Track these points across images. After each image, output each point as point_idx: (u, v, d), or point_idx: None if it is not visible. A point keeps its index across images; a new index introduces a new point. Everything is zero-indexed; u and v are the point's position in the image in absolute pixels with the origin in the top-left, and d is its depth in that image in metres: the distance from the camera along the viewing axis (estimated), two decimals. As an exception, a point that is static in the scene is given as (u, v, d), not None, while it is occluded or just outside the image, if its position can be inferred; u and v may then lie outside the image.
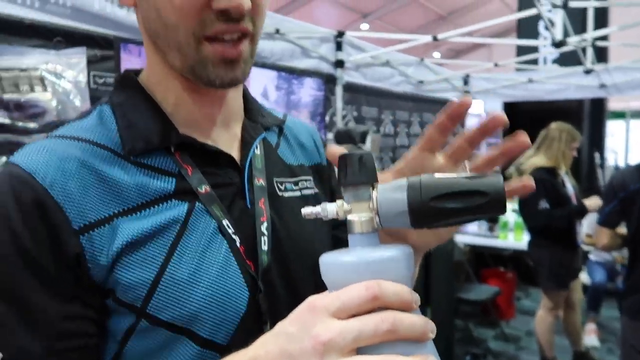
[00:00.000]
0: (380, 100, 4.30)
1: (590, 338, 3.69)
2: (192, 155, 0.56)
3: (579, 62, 4.10)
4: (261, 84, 2.81)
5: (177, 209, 0.53)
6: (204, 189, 0.55)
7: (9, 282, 0.47)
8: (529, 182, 0.47)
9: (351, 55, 3.67)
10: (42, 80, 1.39)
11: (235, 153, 0.60)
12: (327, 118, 3.50)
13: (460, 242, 4.13)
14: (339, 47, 3.54)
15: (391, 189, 0.39)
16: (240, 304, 0.53)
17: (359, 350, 0.36)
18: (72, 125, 0.56)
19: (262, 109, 0.68)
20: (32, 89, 1.35)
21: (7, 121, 1.30)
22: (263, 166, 0.63)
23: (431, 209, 0.38)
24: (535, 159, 2.99)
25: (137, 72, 0.62)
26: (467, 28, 3.36)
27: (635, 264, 2.14)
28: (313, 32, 3.33)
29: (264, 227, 0.58)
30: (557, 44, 3.10)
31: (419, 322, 0.36)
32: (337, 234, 0.70)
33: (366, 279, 0.36)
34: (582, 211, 2.95)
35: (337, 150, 0.44)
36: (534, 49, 5.15)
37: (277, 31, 2.96)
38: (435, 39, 3.40)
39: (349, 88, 3.75)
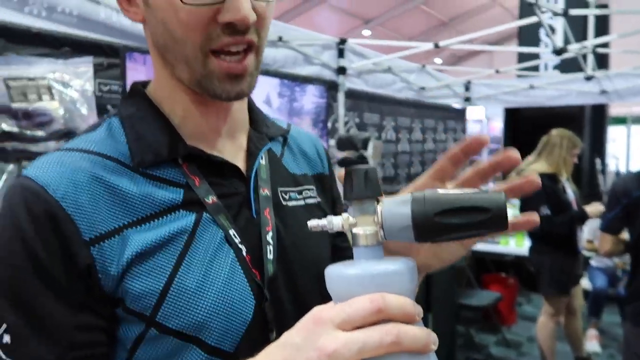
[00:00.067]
0: (382, 107, 4.32)
1: (591, 344, 3.68)
2: (199, 166, 0.58)
3: (580, 69, 4.12)
4: (264, 91, 2.84)
5: (185, 220, 0.55)
6: (211, 199, 0.56)
7: (23, 293, 0.49)
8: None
9: (353, 62, 3.69)
10: (49, 89, 1.42)
11: (240, 163, 0.62)
12: (329, 124, 3.52)
13: (461, 247, 4.13)
14: (341, 54, 3.57)
15: (396, 204, 0.40)
16: (246, 313, 0.55)
17: None
18: (82, 137, 0.57)
19: (267, 119, 0.70)
20: (40, 98, 1.37)
21: (15, 129, 1.32)
22: (268, 176, 0.64)
23: (435, 224, 0.39)
24: (536, 165, 3.01)
25: (144, 84, 0.64)
26: (469, 35, 3.38)
27: (637, 270, 2.15)
28: (315, 39, 3.36)
29: (269, 237, 0.59)
30: (558, 51, 3.12)
31: (422, 334, 0.37)
32: (337, 242, 0.71)
33: (370, 291, 0.37)
34: (583, 217, 2.96)
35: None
36: (535, 56, 5.17)
37: (280, 39, 2.98)
38: (436, 46, 3.42)
39: (351, 94, 3.78)
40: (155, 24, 0.55)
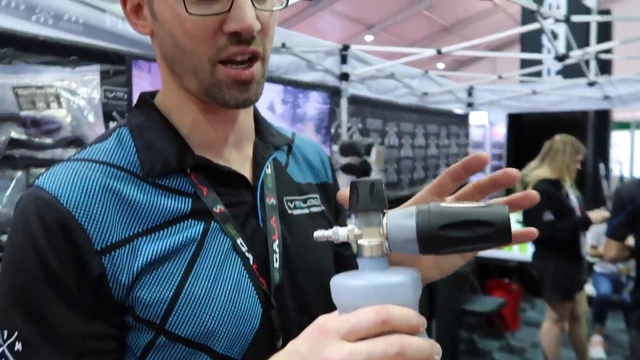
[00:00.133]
0: (385, 112, 4.34)
1: (596, 350, 3.67)
2: (206, 175, 0.59)
3: (582, 74, 4.13)
4: (267, 97, 2.85)
5: (194, 229, 0.55)
6: (219, 208, 0.57)
7: (35, 301, 0.49)
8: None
9: (356, 68, 3.72)
10: (57, 97, 1.43)
11: (247, 173, 0.63)
12: (332, 130, 3.53)
13: (464, 253, 4.13)
14: (344, 60, 3.59)
15: (401, 217, 0.41)
16: (253, 320, 0.55)
17: None
18: (92, 147, 0.58)
19: (272, 129, 0.71)
20: (48, 106, 1.39)
21: (23, 137, 1.34)
22: (274, 185, 0.65)
23: (439, 237, 0.39)
24: (539, 171, 3.01)
25: (152, 95, 0.65)
26: (471, 42, 3.40)
27: (642, 276, 2.14)
28: (318, 46, 3.38)
29: (275, 245, 0.60)
30: (560, 58, 3.13)
31: (426, 345, 0.38)
32: (340, 250, 0.72)
33: (375, 302, 0.38)
34: (587, 223, 2.95)
35: (345, 192, 0.46)
36: (538, 61, 5.18)
37: (283, 45, 3.01)
38: (439, 52, 3.44)
39: (354, 100, 3.80)
40: (163, 37, 0.56)
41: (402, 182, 4.65)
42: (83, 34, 2.04)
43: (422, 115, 4.94)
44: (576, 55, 3.36)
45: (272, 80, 2.95)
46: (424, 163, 5.02)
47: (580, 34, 4.23)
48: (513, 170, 0.47)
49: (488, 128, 7.80)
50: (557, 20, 2.82)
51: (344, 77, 3.60)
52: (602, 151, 5.97)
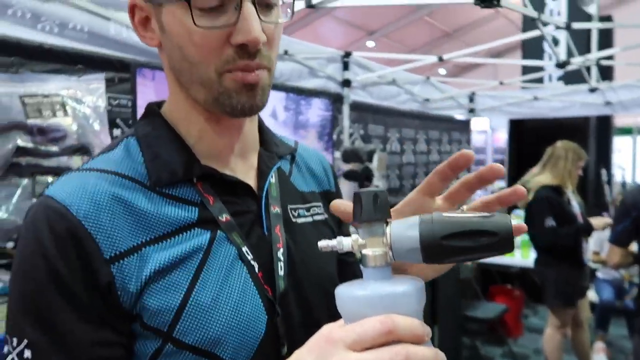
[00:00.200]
0: (387, 119, 4.35)
1: (599, 357, 3.65)
2: (212, 185, 0.60)
3: (584, 80, 4.14)
4: (270, 104, 2.86)
5: (201, 237, 0.56)
6: (225, 217, 0.58)
7: (44, 309, 0.50)
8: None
9: (358, 75, 3.74)
10: (63, 105, 1.45)
11: (252, 182, 0.64)
12: (334, 136, 3.55)
13: (467, 259, 4.12)
14: (345, 66, 3.61)
15: (404, 227, 0.42)
16: (259, 328, 0.56)
17: None
18: (100, 157, 0.59)
19: (275, 138, 0.72)
20: (54, 114, 1.41)
21: (30, 145, 1.36)
22: (278, 194, 0.66)
23: (442, 246, 0.40)
24: (540, 177, 3.01)
25: (159, 105, 0.66)
26: (472, 49, 3.42)
27: (646, 282, 2.15)
28: (320, 53, 3.40)
29: (280, 253, 0.61)
30: (561, 65, 3.15)
31: (430, 355, 0.38)
32: (343, 257, 0.73)
33: (380, 312, 0.39)
34: (589, 229, 2.95)
35: (340, 204, 0.47)
36: (540, 67, 5.19)
37: (286, 52, 3.03)
38: (440, 59, 3.46)
39: (356, 107, 3.81)
40: (171, 48, 0.57)
41: (404, 188, 4.66)
42: (88, 42, 2.06)
43: (424, 121, 4.95)
44: (577, 62, 3.37)
45: (275, 87, 2.96)
46: (425, 169, 5.03)
47: (581, 41, 4.24)
48: (497, 165, 0.48)
49: (490, 134, 7.81)
50: (557, 28, 2.84)
51: (346, 83, 3.62)
52: (604, 157, 5.96)
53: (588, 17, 3.91)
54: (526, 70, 5.31)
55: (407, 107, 4.55)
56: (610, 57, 3.99)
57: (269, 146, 0.69)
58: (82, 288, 0.51)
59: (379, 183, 3.18)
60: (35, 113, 1.37)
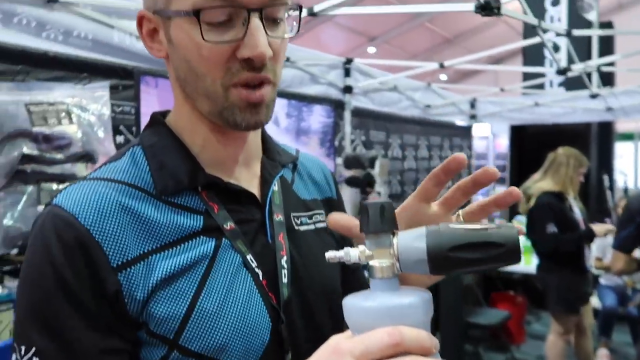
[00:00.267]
0: (388, 125, 4.37)
1: (602, 364, 3.64)
2: (217, 193, 0.60)
3: (585, 86, 4.15)
4: (272, 111, 2.88)
5: (206, 245, 0.57)
6: (229, 225, 0.59)
7: (52, 317, 0.51)
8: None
9: (359, 81, 3.75)
10: (68, 113, 1.47)
11: (255, 190, 0.64)
12: (336, 143, 3.56)
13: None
14: (347, 73, 3.63)
15: (411, 238, 0.42)
16: (264, 335, 0.57)
17: None
18: (107, 167, 0.60)
19: (278, 146, 0.73)
20: (59, 122, 1.42)
21: (35, 152, 1.37)
22: (281, 202, 0.67)
23: (449, 258, 0.40)
24: (542, 183, 3.01)
25: (163, 114, 0.67)
26: (473, 55, 3.43)
27: (650, 289, 2.14)
28: (322, 59, 3.42)
29: (283, 261, 0.62)
30: (562, 71, 3.16)
31: None
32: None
33: (387, 323, 0.39)
34: (591, 236, 2.95)
35: (339, 218, 0.48)
36: (541, 73, 5.21)
37: (287, 59, 3.05)
38: (442, 66, 3.47)
39: (357, 113, 3.83)
40: (178, 60, 0.58)
41: (406, 194, 4.65)
42: (92, 50, 2.08)
43: (425, 127, 4.96)
44: (578, 68, 3.38)
45: (277, 93, 2.98)
46: (427, 175, 5.04)
47: (582, 47, 4.26)
48: (492, 168, 0.49)
49: (491, 139, 7.81)
50: (558, 34, 2.85)
51: (348, 90, 3.64)
52: (605, 162, 5.96)
53: (589, 23, 3.93)
54: (527, 76, 5.32)
55: (409, 113, 4.56)
56: (611, 64, 4.00)
57: (272, 154, 0.69)
58: (90, 296, 0.51)
59: (380, 189, 3.19)
60: (41, 121, 1.39)
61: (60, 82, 1.81)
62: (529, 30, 4.80)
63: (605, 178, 5.66)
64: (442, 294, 2.91)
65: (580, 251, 2.96)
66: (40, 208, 1.40)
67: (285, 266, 0.62)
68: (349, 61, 3.60)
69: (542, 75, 5.01)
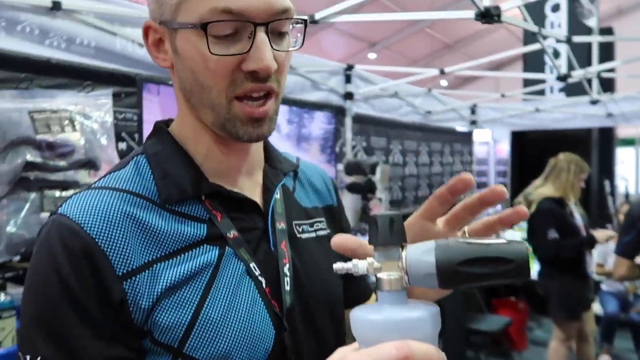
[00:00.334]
0: (389, 131, 4.38)
1: (604, 370, 3.62)
2: (220, 202, 0.61)
3: (586, 92, 4.16)
4: (273, 117, 2.89)
5: (210, 254, 0.58)
6: (233, 233, 0.60)
7: (58, 325, 0.51)
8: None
9: (360, 88, 3.77)
10: (71, 120, 1.48)
11: (257, 198, 0.65)
12: (337, 149, 3.57)
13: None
14: (348, 79, 3.64)
15: (420, 251, 0.41)
16: (267, 343, 0.57)
17: None
18: (111, 176, 0.60)
19: (279, 155, 0.73)
20: (62, 129, 1.43)
21: (38, 160, 1.38)
22: (283, 210, 0.67)
23: (458, 272, 0.40)
24: (543, 189, 3.01)
25: (167, 123, 0.67)
26: (474, 62, 3.44)
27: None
28: (323, 66, 3.44)
29: (286, 269, 0.62)
30: (562, 78, 3.17)
31: None
32: None
33: (395, 337, 0.38)
34: (592, 242, 2.95)
35: (342, 240, 0.48)
36: (541, 79, 5.23)
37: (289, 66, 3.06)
38: (442, 72, 3.49)
39: (358, 119, 3.84)
40: (184, 71, 0.59)
41: (407, 200, 4.67)
42: (95, 57, 2.10)
43: (426, 133, 4.97)
44: (578, 74, 3.39)
45: (278, 101, 3.00)
46: (428, 181, 5.04)
47: (582, 53, 4.27)
48: (500, 188, 0.48)
49: (492, 145, 7.82)
50: (558, 41, 2.87)
51: (348, 96, 3.65)
52: (607, 168, 5.96)
53: (589, 29, 3.95)
54: (527, 82, 5.33)
55: (409, 119, 4.58)
56: (611, 70, 4.01)
57: (274, 163, 0.70)
58: (95, 304, 0.51)
59: (381, 195, 3.19)
60: (44, 128, 1.39)
61: (63, 89, 1.82)
62: (529, 37, 4.83)
63: (607, 184, 5.66)
64: (444, 300, 2.90)
65: (582, 257, 2.96)
66: (43, 215, 1.41)
67: (288, 274, 0.62)
68: (349, 67, 3.61)
69: (542, 81, 5.03)
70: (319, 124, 3.18)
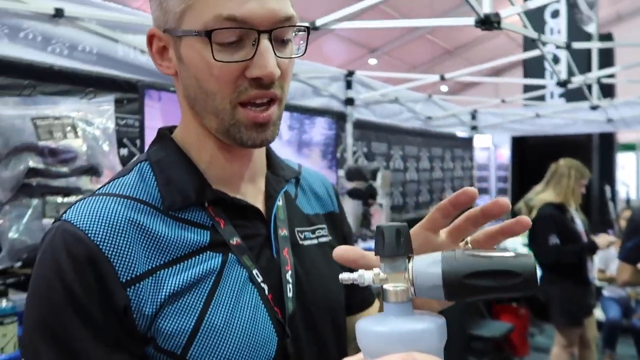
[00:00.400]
0: (390, 136, 4.38)
1: (607, 376, 3.60)
2: (223, 209, 0.61)
3: (586, 97, 4.17)
4: (274, 123, 2.90)
5: (213, 261, 0.58)
6: (235, 240, 0.60)
7: (61, 331, 0.51)
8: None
9: (361, 93, 3.78)
10: (74, 127, 1.48)
11: (260, 205, 0.65)
12: (338, 154, 3.58)
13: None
14: (349, 85, 3.65)
15: (427, 263, 0.41)
16: (270, 349, 0.57)
17: None
18: (115, 182, 0.61)
19: (281, 162, 0.74)
20: (65, 136, 1.44)
21: (41, 166, 1.38)
22: (285, 217, 0.67)
23: (465, 285, 0.40)
24: (544, 195, 3.02)
25: (170, 130, 0.68)
26: (474, 67, 3.46)
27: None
28: (324, 72, 3.45)
29: (288, 275, 0.62)
30: (562, 84, 3.18)
31: None
32: None
33: (401, 349, 0.38)
34: (593, 248, 2.95)
35: (344, 252, 0.47)
36: (541, 85, 5.24)
37: (290, 72, 3.07)
38: (442, 78, 3.50)
39: (359, 125, 3.85)
40: (188, 78, 0.59)
41: (408, 205, 4.67)
42: (97, 64, 2.11)
43: (427, 139, 4.98)
44: (578, 80, 3.40)
45: (280, 107, 3.01)
46: (429, 186, 5.05)
47: (581, 59, 4.28)
48: (503, 200, 0.48)
49: (492, 150, 7.82)
50: (558, 47, 2.88)
51: (349, 102, 3.66)
52: (607, 173, 5.96)
53: (588, 35, 3.96)
54: (528, 87, 5.35)
55: (410, 124, 4.58)
56: (611, 75, 4.02)
57: (276, 170, 0.70)
58: (99, 311, 0.52)
59: (382, 201, 3.19)
60: (47, 135, 1.40)
61: (66, 96, 1.83)
62: (529, 43, 4.84)
63: (607, 189, 5.66)
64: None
65: (583, 263, 2.96)
66: (45, 221, 1.41)
67: (290, 280, 0.62)
68: (350, 73, 3.63)
69: (542, 87, 5.04)
70: (319, 129, 3.19)
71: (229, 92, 0.56)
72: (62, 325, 0.51)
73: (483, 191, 7.42)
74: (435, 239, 0.53)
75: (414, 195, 4.79)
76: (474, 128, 5.55)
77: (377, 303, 0.80)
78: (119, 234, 0.54)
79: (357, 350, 0.42)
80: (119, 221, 0.55)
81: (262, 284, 0.60)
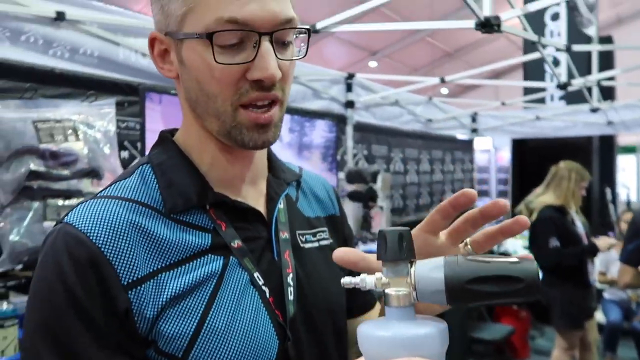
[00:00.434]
0: (390, 139, 4.39)
1: (608, 379, 3.59)
2: (225, 211, 0.61)
3: (586, 100, 4.17)
4: (275, 126, 2.90)
5: (214, 264, 0.58)
6: (237, 243, 0.60)
7: (63, 334, 0.51)
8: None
9: (361, 96, 3.79)
10: (75, 130, 1.49)
11: (261, 208, 0.65)
12: (338, 157, 3.58)
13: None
14: (349, 88, 3.66)
15: (429, 268, 0.41)
16: (271, 352, 0.57)
17: None
18: (117, 185, 0.61)
19: (283, 165, 0.74)
20: (66, 139, 1.44)
21: (42, 169, 1.38)
22: (287, 220, 0.68)
23: (467, 290, 0.40)
24: (544, 197, 3.02)
25: (171, 133, 0.68)
26: (474, 70, 3.46)
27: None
28: (324, 75, 3.46)
29: (289, 278, 0.62)
30: (562, 86, 3.18)
31: None
32: None
33: (402, 353, 0.38)
34: (594, 250, 2.94)
35: (344, 255, 0.48)
36: (541, 88, 5.25)
37: (290, 75, 3.08)
38: (442, 80, 3.50)
39: (359, 127, 3.85)
40: (189, 81, 0.59)
41: (408, 208, 4.67)
42: (98, 67, 2.11)
43: (427, 142, 4.99)
44: (578, 83, 3.41)
45: (281, 110, 3.02)
46: (429, 189, 5.05)
47: (581, 61, 4.29)
48: (502, 201, 0.48)
49: (493, 153, 7.83)
50: (558, 50, 2.88)
51: (350, 104, 3.67)
52: (608, 176, 5.96)
53: (588, 38, 3.97)
54: (528, 90, 5.35)
55: (410, 127, 4.59)
56: (611, 78, 4.03)
57: (277, 173, 0.70)
58: (101, 314, 0.52)
59: (382, 203, 3.19)
60: (48, 138, 1.40)
61: (67, 99, 1.83)
62: (529, 45, 4.85)
63: (608, 191, 5.66)
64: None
65: (583, 265, 2.95)
66: (46, 224, 1.41)
67: (291, 283, 0.62)
68: (350, 76, 3.63)
69: (542, 89, 5.04)
70: (320, 132, 3.19)
71: (230, 94, 0.57)
72: (63, 328, 0.51)
73: (483, 194, 7.42)
74: (434, 240, 0.53)
75: (415, 198, 4.79)
76: (474, 130, 5.55)
77: (378, 306, 0.80)
78: (121, 237, 0.54)
79: (358, 353, 0.42)
80: (121, 224, 0.55)
81: (263, 287, 0.60)
